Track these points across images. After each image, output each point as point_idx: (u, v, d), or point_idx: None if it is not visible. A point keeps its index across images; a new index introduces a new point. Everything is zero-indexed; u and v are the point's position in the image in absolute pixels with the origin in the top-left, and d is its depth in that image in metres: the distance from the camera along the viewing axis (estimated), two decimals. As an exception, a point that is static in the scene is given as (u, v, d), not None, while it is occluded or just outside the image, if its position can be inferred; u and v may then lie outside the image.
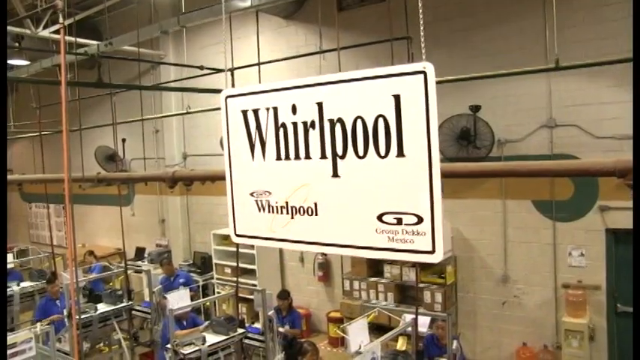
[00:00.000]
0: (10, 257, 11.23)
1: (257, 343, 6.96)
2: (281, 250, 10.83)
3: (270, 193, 2.47)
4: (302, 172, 2.34)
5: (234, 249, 10.70)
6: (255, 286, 9.41)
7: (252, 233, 2.59)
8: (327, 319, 10.00)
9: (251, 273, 10.22)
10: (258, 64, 7.87)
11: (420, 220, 2.09)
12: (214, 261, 11.08)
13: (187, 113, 9.41)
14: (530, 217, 7.90)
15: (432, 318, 6.23)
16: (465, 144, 7.93)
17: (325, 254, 10.13)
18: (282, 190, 2.42)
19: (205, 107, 9.92)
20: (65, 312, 7.74)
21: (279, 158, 2.41)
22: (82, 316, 7.89)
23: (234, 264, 10.62)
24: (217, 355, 6.64)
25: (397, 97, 2.07)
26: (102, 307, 8.25)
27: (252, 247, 10.22)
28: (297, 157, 2.35)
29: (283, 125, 2.37)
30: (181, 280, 9.40)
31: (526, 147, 7.75)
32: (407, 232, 2.12)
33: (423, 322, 5.88)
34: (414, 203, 2.09)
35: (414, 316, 5.74)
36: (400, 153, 2.08)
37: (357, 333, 5.09)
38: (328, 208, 2.29)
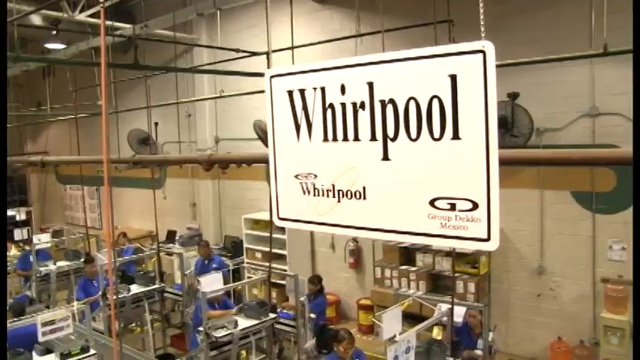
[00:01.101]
0: (46, 237, 11.40)
1: (288, 329, 6.94)
2: (312, 236, 10.80)
3: (315, 175, 2.40)
4: (350, 154, 2.26)
5: (265, 234, 10.72)
6: (285, 271, 9.41)
7: (296, 217, 2.53)
8: (357, 306, 9.95)
9: (281, 258, 10.20)
10: (292, 47, 7.79)
11: (475, 206, 2.00)
12: (245, 245, 11.11)
13: (221, 97, 9.38)
14: (568, 209, 7.71)
15: (468, 308, 6.12)
16: (502, 132, 7.75)
17: (356, 241, 10.07)
18: (328, 172, 2.35)
19: (239, 91, 9.89)
20: (100, 292, 7.83)
21: (326, 140, 2.33)
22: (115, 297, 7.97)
23: (265, 249, 10.66)
24: (249, 339, 6.64)
25: (454, 78, 1.97)
26: (134, 289, 8.33)
27: (283, 232, 10.21)
28: (345, 138, 2.27)
29: (331, 106, 2.29)
30: (214, 265, 9.42)
31: (566, 136, 7.55)
32: (460, 219, 2.03)
33: (458, 313, 5.79)
34: (469, 188, 2.00)
35: (449, 305, 5.66)
36: (455, 136, 1.99)
37: (392, 321, 5.02)
38: (377, 192, 2.21)
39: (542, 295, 8.07)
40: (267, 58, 7.06)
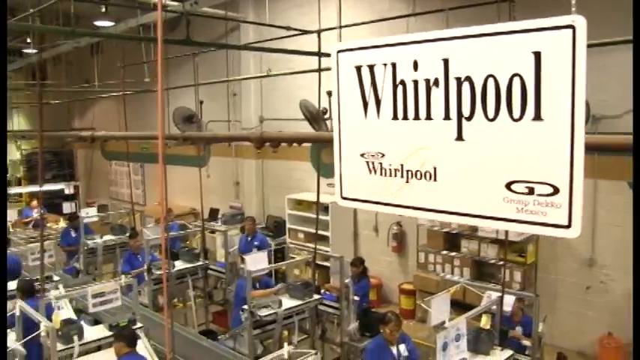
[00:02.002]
0: (93, 211, 11.64)
1: (332, 310, 6.92)
2: (355, 218, 10.74)
3: (383, 154, 2.33)
4: (421, 133, 2.18)
5: (308, 214, 10.73)
6: (327, 252, 9.39)
7: (361, 196, 2.47)
8: (398, 291, 9.87)
9: (324, 239, 10.17)
10: (339, 27, 7.67)
11: (556, 190, 1.91)
12: (288, 225, 11.12)
13: (268, 76, 9.32)
14: (623, 200, 7.44)
15: (518, 297, 5.98)
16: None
17: (400, 224, 9.96)
18: (397, 151, 2.28)
19: (285, 70, 9.83)
20: (145, 266, 7.94)
21: (395, 118, 2.26)
22: (160, 272, 8.08)
23: (308, 229, 10.67)
24: (292, 319, 6.64)
25: (537, 55, 1.87)
26: (179, 265, 8.42)
27: (326, 213, 10.18)
28: (416, 117, 2.19)
29: (402, 82, 2.22)
30: (256, 243, 9.44)
31: (625, 124, 7.27)
32: (539, 204, 1.94)
33: (507, 301, 5.66)
34: (549, 172, 1.91)
35: (498, 294, 5.54)
36: (537, 116, 1.89)
37: (440, 307, 4.95)
38: (449, 174, 2.14)
39: (591, 287, 7.84)
40: (318, 37, 6.98)
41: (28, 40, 15.54)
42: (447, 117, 2.10)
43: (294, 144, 4.85)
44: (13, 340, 5.52)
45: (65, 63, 17.43)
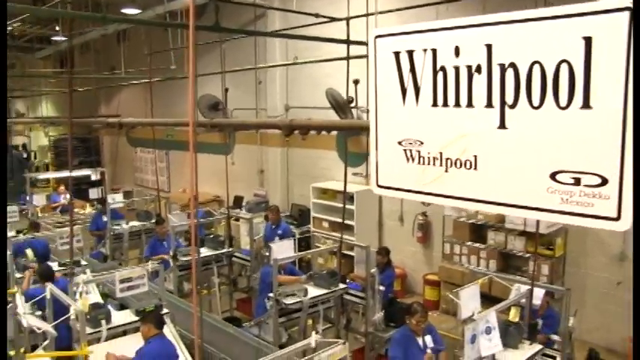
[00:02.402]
0: (119, 197, 11.76)
1: (357, 300, 6.90)
2: (380, 208, 10.69)
3: (421, 142, 2.27)
4: (461, 121, 2.12)
5: (333, 203, 10.70)
6: (352, 241, 9.35)
7: (397, 185, 2.41)
8: (423, 281, 9.82)
9: (349, 229, 10.13)
10: (367, 14, 7.60)
11: (605, 181, 1.83)
12: (312, 214, 11.12)
13: (295, 64, 9.29)
14: (658, 192, 7.27)
15: (547, 291, 5.89)
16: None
17: (426, 215, 9.88)
18: (436, 139, 2.21)
19: (311, 58, 9.78)
20: (170, 253, 7.99)
21: (435, 105, 2.19)
22: (185, 259, 8.13)
23: (332, 218, 10.65)
24: (317, 308, 6.63)
25: (588, 40, 1.79)
26: (204, 252, 8.46)
27: (351, 202, 10.14)
28: (457, 104, 2.12)
29: (443, 69, 2.15)
30: (279, 232, 9.44)
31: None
32: (585, 195, 1.87)
33: (537, 295, 5.58)
34: (598, 162, 1.83)
35: (527, 286, 5.46)
36: (586, 104, 1.82)
37: (469, 299, 4.88)
38: (491, 163, 2.07)
39: (622, 283, 7.69)
40: (347, 24, 6.91)
41: (57, 28, 15.70)
42: (489, 104, 2.03)
43: (321, 132, 4.81)
44: (37, 320, 5.60)
45: (92, 51, 17.58)
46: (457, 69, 2.11)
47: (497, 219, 8.66)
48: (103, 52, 18.50)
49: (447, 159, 2.19)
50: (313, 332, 4.07)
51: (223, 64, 8.36)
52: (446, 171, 2.20)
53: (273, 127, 4.94)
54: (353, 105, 9.03)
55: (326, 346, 3.86)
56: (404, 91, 2.30)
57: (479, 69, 2.05)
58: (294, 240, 10.45)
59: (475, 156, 2.11)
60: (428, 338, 5.52)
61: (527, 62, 1.93)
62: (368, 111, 9.71)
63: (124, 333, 5.86)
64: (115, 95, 19.57)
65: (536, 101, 1.92)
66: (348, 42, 6.59)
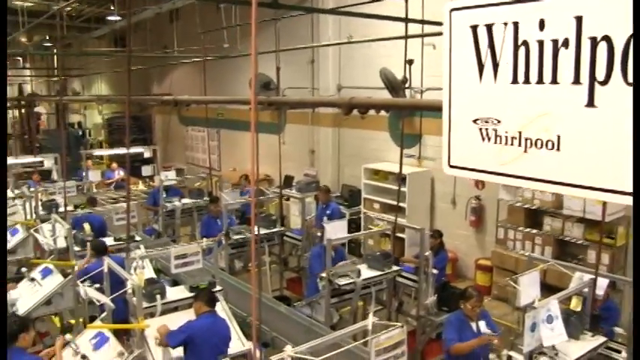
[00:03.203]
0: (172, 174, 11.92)
1: (410, 283, 6.81)
2: (432, 190, 10.53)
3: (498, 120, 2.16)
4: (544, 98, 1.99)
5: (385, 185, 10.60)
6: (404, 223, 9.24)
7: (471, 165, 2.31)
8: (474, 266, 9.65)
9: (400, 210, 9.94)
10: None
11: None
12: (363, 195, 11.04)
13: (349, 43, 9.15)
14: None
15: (610, 282, 5.67)
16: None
17: (479, 199, 9.68)
18: (515, 118, 2.10)
19: (366, 37, 9.62)
20: (223, 231, 8.05)
21: (515, 81, 2.07)
22: (237, 237, 8.19)
23: (384, 200, 10.55)
24: (369, 289, 6.58)
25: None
26: (256, 230, 8.48)
27: (403, 184, 10.00)
28: (539, 80, 2.00)
29: (525, 43, 2.02)
30: (328, 212, 9.41)
31: None
32: (682, 180, 1.74)
33: (600, 285, 5.37)
34: (699, 145, 1.70)
35: (590, 276, 5.26)
36: (687, 81, 1.68)
37: (529, 286, 4.75)
38: (575, 143, 1.94)
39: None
40: (406, 1, 6.74)
41: (112, 8, 15.93)
42: (576, 81, 1.91)
43: (372, 112, 4.70)
44: (96, 293, 5.73)
45: (146, 30, 17.79)
46: (541, 43, 1.98)
47: (555, 205, 8.41)
48: (154, 31, 18.71)
49: (527, 139, 2.07)
50: (370, 314, 4.01)
51: (278, 43, 8.30)
52: (525, 151, 2.08)
53: (332, 105, 4.86)
54: (407, 86, 8.90)
55: (382, 328, 3.80)
56: (481, 67, 2.18)
57: (566, 43, 1.92)
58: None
59: (558, 136, 1.98)
60: (482, 323, 5.41)
61: (623, 35, 1.79)
62: (422, 92, 9.56)
63: (176, 309, 5.94)
64: (167, 74, 19.82)
65: (631, 77, 1.79)
66: (406, 20, 6.44)
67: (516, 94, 2.08)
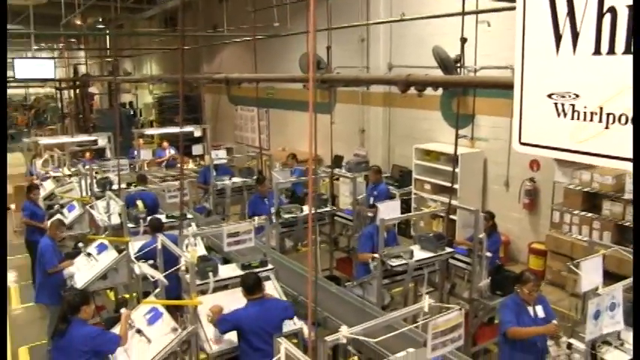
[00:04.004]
0: (223, 153, 12.02)
1: (463, 265, 6.67)
2: (485, 171, 10.30)
3: (577, 95, 2.03)
4: (630, 70, 1.86)
5: (437, 165, 10.43)
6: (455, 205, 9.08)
7: (545, 142, 2.19)
8: (528, 250, 9.41)
9: (450, 191, 9.80)
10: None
11: None
12: (414, 176, 10.89)
13: (402, 20, 8.96)
14: None
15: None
16: None
17: (534, 181, 9.40)
18: (595, 92, 1.96)
19: (420, 15, 9.41)
20: (273, 210, 8.06)
21: (597, 52, 1.94)
22: (287, 216, 8.18)
23: (435, 181, 10.39)
24: (421, 271, 6.48)
25: None
26: (307, 210, 8.48)
27: (456, 164, 9.83)
28: (627, 50, 1.86)
29: (612, 9, 1.88)
30: (375, 192, 9.31)
31: None
32: None
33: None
34: None
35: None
36: None
37: (591, 271, 4.56)
38: (665, 120, 1.81)
39: None
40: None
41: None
42: (668, 51, 1.76)
43: (438, 89, 4.57)
44: (151, 269, 5.81)
45: (195, 10, 17.89)
46: (630, 9, 1.84)
47: (615, 188, 8.10)
48: (204, 10, 18.78)
49: (609, 114, 1.94)
50: (426, 296, 3.92)
51: (330, 21, 8.18)
52: (606, 127, 1.95)
53: (389, 83, 4.75)
54: (459, 65, 8.67)
55: (437, 311, 3.71)
56: (558, 38, 2.05)
57: (660, 9, 1.77)
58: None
59: (646, 112, 1.85)
60: (539, 308, 5.24)
61: None
62: (475, 71, 9.26)
63: (226, 287, 5.96)
64: (216, 54, 19.94)
65: None
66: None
67: (599, 66, 1.94)
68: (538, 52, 2.14)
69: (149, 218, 7.72)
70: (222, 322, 4.94)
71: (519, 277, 5.25)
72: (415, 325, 4.29)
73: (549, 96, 2.12)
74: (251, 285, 5.07)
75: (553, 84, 2.10)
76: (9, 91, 36.26)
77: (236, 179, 10.86)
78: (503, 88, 2.69)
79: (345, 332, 3.38)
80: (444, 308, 3.74)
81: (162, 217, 8.53)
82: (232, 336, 5.10)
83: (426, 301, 3.81)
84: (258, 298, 5.04)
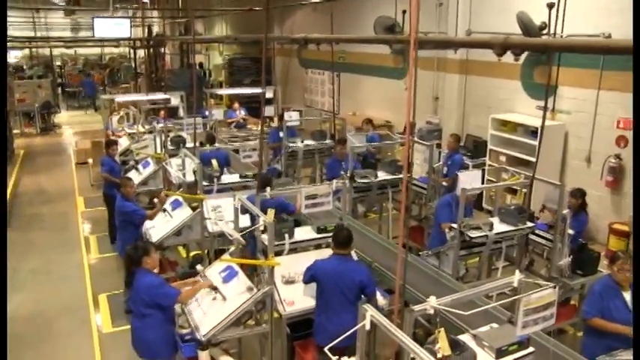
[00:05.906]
0: (295, 115, 12.03)
1: (543, 241, 6.43)
2: (565, 146, 9.88)
3: None
4: None
5: (513, 137, 10.07)
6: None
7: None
8: (608, 230, 9.00)
9: (527, 165, 9.47)
10: None
11: None
12: (489, 147, 10.57)
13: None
14: None
15: None
16: None
17: (620, 158, 8.94)
18: None
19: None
20: (348, 174, 7.99)
21: None
22: (362, 181, 8.10)
23: (511, 152, 10.05)
24: (499, 244, 6.29)
25: None
26: (381, 175, 8.38)
27: (533, 137, 9.47)
28: None
29: None
30: (449, 162, 9.09)
31: None
32: None
33: None
34: None
35: None
36: None
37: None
38: None
39: None
40: None
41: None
42: None
43: (503, 59, 4.31)
44: (229, 228, 5.84)
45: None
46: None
47: None
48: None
49: None
50: (517, 271, 3.76)
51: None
52: None
53: (483, 46, 4.51)
54: (545, 32, 8.21)
55: (531, 288, 3.55)
56: None
57: None
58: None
59: None
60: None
61: None
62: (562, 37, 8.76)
63: (295, 250, 5.95)
64: (288, 16, 19.81)
65: None
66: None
67: None
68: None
69: (258, 173, 7.71)
70: (306, 271, 5.05)
71: (611, 257, 4.95)
72: (505, 300, 4.14)
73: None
74: (343, 238, 5.05)
75: None
76: (85, 51, 37.53)
77: (309, 142, 10.84)
78: (624, 53, 2.45)
79: (433, 302, 3.28)
80: (536, 285, 3.58)
81: (235, 177, 8.62)
82: (306, 299, 5.10)
83: (516, 276, 3.65)
84: (344, 255, 5.01)
